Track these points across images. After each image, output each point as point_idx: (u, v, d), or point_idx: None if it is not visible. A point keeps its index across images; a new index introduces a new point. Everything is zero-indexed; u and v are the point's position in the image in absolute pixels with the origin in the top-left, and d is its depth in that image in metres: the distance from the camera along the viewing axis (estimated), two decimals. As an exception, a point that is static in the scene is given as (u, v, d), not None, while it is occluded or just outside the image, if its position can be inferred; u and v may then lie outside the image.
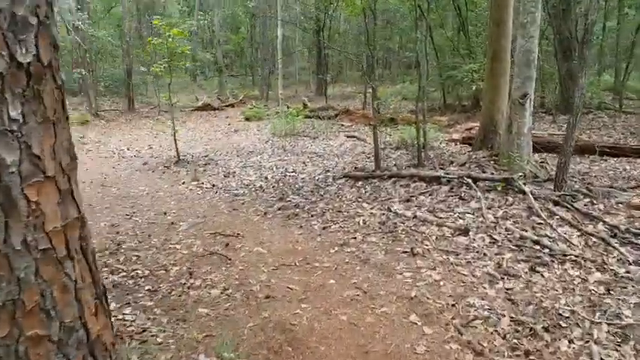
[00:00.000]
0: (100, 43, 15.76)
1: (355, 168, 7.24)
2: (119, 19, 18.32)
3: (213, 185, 6.78)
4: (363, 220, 4.92)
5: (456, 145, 8.85)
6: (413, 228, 4.55)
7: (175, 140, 8.24)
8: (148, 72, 9.25)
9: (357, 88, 21.87)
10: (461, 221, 4.58)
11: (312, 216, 5.17)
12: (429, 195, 5.39)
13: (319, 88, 20.66)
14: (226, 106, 17.58)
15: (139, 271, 3.83)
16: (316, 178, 6.91)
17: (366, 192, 5.89)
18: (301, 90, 22.51)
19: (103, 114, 14.39)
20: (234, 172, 7.51)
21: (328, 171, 7.31)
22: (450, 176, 5.71)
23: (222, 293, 3.40)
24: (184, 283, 3.58)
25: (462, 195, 5.21)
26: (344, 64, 28.80)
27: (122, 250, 4.35)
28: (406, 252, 4.03)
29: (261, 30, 22.79)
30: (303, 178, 6.96)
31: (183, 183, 6.94)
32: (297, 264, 3.92)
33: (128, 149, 10.13)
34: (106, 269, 3.84)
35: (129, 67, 15.25)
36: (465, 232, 4.33)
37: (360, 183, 6.29)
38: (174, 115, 7.74)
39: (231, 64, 30.53)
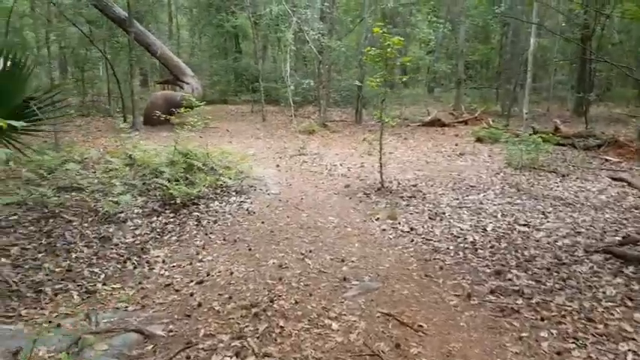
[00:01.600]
0: (335, 54, 15.96)
1: (624, 237, 4.84)
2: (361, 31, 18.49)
3: (412, 229, 5.37)
4: (635, 352, 2.83)
5: None
6: None
7: (381, 165, 7.11)
8: (361, 84, 8.36)
9: (630, 110, 17.28)
10: None
11: (541, 319, 3.29)
12: None
13: (578, 107, 16.98)
14: (458, 122, 15.84)
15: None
16: (558, 243, 4.82)
17: (643, 289, 3.64)
18: (554, 108, 18.95)
19: (330, 125, 14.46)
20: (443, 214, 5.94)
21: (579, 233, 5.10)
22: None
23: None
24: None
25: None
26: (614, 81, 23.49)
27: (270, 313, 3.36)
28: None
29: (510, 39, 20.14)
30: (538, 240, 4.95)
31: (377, 219, 5.73)
32: None
33: (341, 165, 9.53)
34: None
35: (360, 78, 15.01)
36: None
37: (631, 269, 4.01)
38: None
39: (474, 75, 28.33)
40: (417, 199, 6.58)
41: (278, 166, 9.38)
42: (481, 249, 4.76)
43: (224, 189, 6.69)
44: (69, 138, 11.43)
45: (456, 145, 11.94)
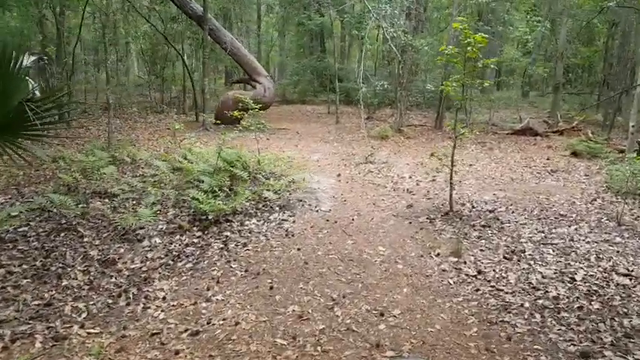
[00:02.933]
0: (422, 54, 14.72)
1: None
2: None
3: (479, 272, 4.27)
4: None
5: None
6: None
7: (451, 185, 5.97)
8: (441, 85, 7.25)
9: None
10: None
11: None
12: None
13: None
14: (553, 132, 13.93)
15: None
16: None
17: None
18: (673, 119, 16.21)
19: (406, 130, 13.32)
20: (522, 252, 4.74)
21: None
22: None
23: None
24: None
25: None
26: None
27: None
28: None
29: (619, 41, 17.55)
30: (650, 304, 3.65)
31: (438, 254, 4.68)
32: None
33: (409, 177, 8.46)
34: None
35: (444, 79, 13.70)
36: None
37: None
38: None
39: (574, 80, 25.44)
40: (491, 230, 5.40)
41: (339, 175, 8.53)
42: (566, 311, 3.57)
43: (267, 203, 5.98)
44: (134, 136, 11.48)
45: (548, 159, 10.30)
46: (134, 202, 5.65)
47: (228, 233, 4.98)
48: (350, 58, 26.25)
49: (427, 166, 9.54)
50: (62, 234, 4.41)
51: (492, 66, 5.76)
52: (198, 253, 4.46)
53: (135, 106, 17.02)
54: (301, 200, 6.42)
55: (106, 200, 5.84)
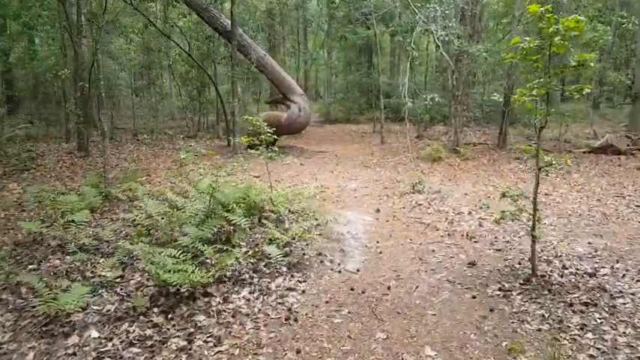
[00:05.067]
0: (476, 62, 12.77)
1: None
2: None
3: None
4: None
5: None
6: None
7: (533, 239, 4.07)
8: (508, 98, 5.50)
9: None
10: None
11: None
12: None
13: None
14: (638, 149, 11.50)
15: None
16: None
17: None
18: None
19: (462, 150, 11.38)
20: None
21: None
22: None
23: None
24: None
25: None
26: None
27: None
28: None
29: None
30: None
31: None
32: None
33: (469, 214, 6.62)
34: None
35: (506, 92, 11.69)
36: None
37: None
38: (550, 160, 3.70)
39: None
40: (599, 312, 3.48)
41: (378, 210, 6.83)
42: None
43: (271, 262, 4.38)
44: (155, 164, 10.33)
45: (645, 185, 8.09)
46: (92, 263, 4.26)
47: (202, 318, 3.41)
48: (400, 73, 24.51)
49: (498, 192, 7.63)
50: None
51: (588, 61, 3.93)
52: (143, 359, 2.92)
53: (171, 131, 16.18)
54: (320, 254, 4.78)
55: (68, 258, 4.50)
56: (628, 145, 11.75)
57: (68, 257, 4.49)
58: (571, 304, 3.59)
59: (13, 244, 4.96)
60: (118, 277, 4.05)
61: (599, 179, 8.91)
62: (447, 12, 10.41)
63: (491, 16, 19.69)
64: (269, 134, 5.86)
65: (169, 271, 3.61)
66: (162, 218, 4.92)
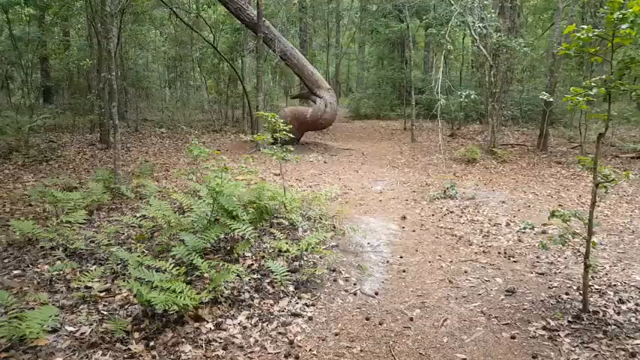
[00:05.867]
0: (515, 57, 11.88)
1: None
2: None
3: None
4: None
5: None
6: None
7: (586, 268, 3.34)
8: (551, 96, 4.76)
9: None
10: None
11: None
12: None
13: None
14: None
15: None
16: None
17: None
18: None
19: (499, 151, 10.57)
20: None
21: None
22: None
23: None
24: None
25: None
26: None
27: None
28: None
29: None
30: None
31: None
32: None
33: (507, 225, 5.92)
34: None
35: (549, 89, 10.78)
36: None
37: None
38: (609, 174, 3.04)
39: None
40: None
41: (404, 218, 6.22)
42: None
43: (276, 279, 3.86)
44: (175, 159, 9.98)
45: None
46: (81, 271, 3.84)
47: (187, 348, 2.91)
48: (433, 68, 23.59)
49: (539, 200, 6.89)
50: None
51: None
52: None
53: (197, 125, 15.88)
54: (335, 270, 4.23)
55: (58, 263, 4.10)
56: (683, 151, 10.69)
57: (59, 262, 4.09)
58: (633, 355, 2.91)
59: (7, 244, 4.61)
60: (104, 291, 3.60)
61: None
62: (485, 2, 9.60)
63: (530, 11, 18.55)
64: (284, 132, 5.32)
65: (156, 288, 3.13)
66: (166, 222, 4.47)
